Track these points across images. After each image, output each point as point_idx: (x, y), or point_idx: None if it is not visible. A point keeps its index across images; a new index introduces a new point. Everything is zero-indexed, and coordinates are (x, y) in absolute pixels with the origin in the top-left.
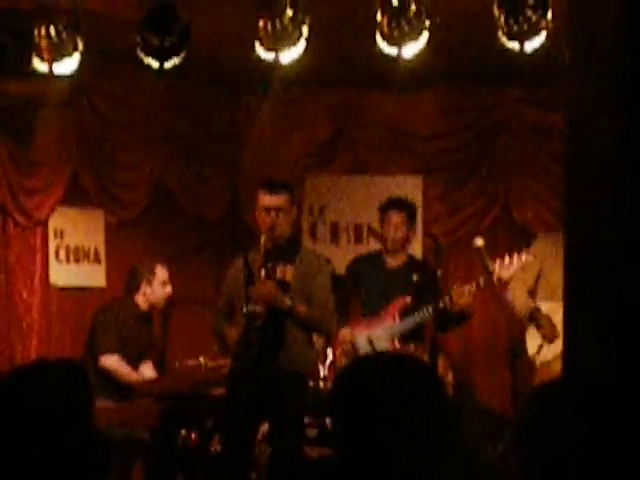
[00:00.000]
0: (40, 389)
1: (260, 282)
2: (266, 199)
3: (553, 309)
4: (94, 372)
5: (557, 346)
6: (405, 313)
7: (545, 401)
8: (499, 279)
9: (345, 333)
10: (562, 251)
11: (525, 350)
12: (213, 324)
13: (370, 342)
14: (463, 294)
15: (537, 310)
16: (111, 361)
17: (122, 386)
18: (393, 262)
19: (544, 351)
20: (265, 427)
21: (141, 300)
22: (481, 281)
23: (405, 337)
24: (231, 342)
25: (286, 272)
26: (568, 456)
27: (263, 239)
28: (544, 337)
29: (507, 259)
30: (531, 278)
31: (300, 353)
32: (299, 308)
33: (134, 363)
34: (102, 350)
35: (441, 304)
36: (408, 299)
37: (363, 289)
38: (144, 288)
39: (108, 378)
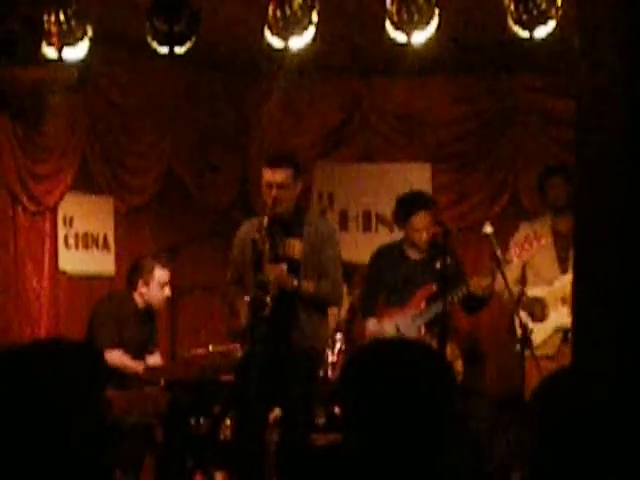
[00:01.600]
0: (55, 367)
1: (267, 267)
2: (268, 174)
3: (540, 292)
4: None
5: (546, 327)
6: (431, 300)
7: (555, 391)
8: (489, 237)
9: (373, 323)
10: (544, 234)
11: (515, 336)
12: (223, 292)
13: (398, 330)
14: (480, 286)
15: (523, 294)
16: (115, 355)
17: (127, 377)
18: (415, 253)
19: (535, 333)
20: (276, 413)
21: (138, 298)
22: (494, 270)
23: (431, 324)
24: (241, 320)
25: (294, 248)
26: (578, 445)
27: (266, 215)
28: (534, 318)
29: (526, 244)
30: (517, 267)
31: (313, 329)
32: (305, 286)
33: (136, 358)
34: (104, 345)
35: (461, 291)
36: (434, 286)
37: (387, 280)
38: (141, 287)
39: (112, 371)
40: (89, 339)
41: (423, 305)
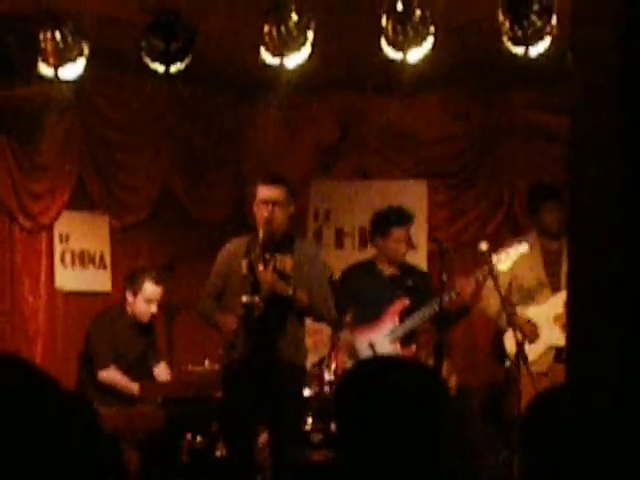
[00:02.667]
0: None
1: (261, 272)
2: (263, 191)
3: (529, 311)
4: (92, 384)
5: (538, 347)
6: (404, 315)
7: (549, 408)
8: (485, 255)
9: (345, 334)
10: (530, 254)
11: (505, 354)
12: (199, 305)
13: (371, 347)
14: (469, 284)
15: (513, 314)
16: (109, 375)
17: (123, 395)
18: (389, 269)
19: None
20: (264, 436)
21: (128, 308)
22: (480, 276)
23: (405, 339)
24: (226, 329)
25: (286, 263)
26: (572, 463)
27: (260, 232)
28: (525, 338)
29: (504, 252)
30: (503, 286)
31: (297, 344)
32: (300, 295)
33: (132, 372)
34: (99, 364)
35: (446, 298)
36: (407, 301)
37: (359, 296)
38: (128, 297)
39: (108, 389)
40: (86, 356)
41: (397, 320)
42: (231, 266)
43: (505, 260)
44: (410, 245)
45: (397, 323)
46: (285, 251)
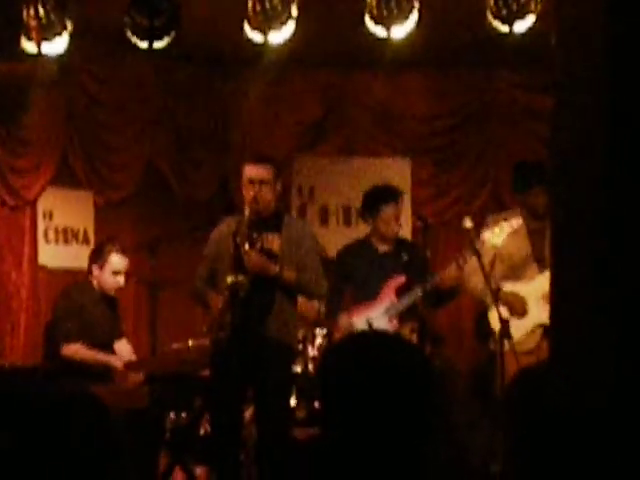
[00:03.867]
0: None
1: (246, 252)
2: (250, 171)
3: (518, 287)
4: (57, 360)
5: (526, 324)
6: (401, 291)
7: (530, 385)
8: (470, 232)
9: (343, 318)
10: (514, 231)
11: (491, 332)
12: (191, 287)
13: (369, 325)
14: (449, 277)
15: (499, 290)
16: (73, 349)
17: (99, 371)
18: (383, 246)
19: (513, 329)
20: (250, 410)
21: (95, 282)
22: (461, 261)
23: (403, 316)
24: (215, 311)
25: (273, 242)
26: (555, 441)
27: (247, 212)
28: (514, 313)
29: (496, 227)
30: (486, 261)
31: (286, 323)
32: (287, 274)
33: (99, 347)
34: (61, 339)
35: (428, 285)
36: (402, 278)
37: (356, 275)
38: (94, 270)
39: (73, 365)
40: (51, 332)
41: (394, 297)
42: (222, 246)
43: (499, 234)
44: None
45: (394, 300)
46: (273, 229)
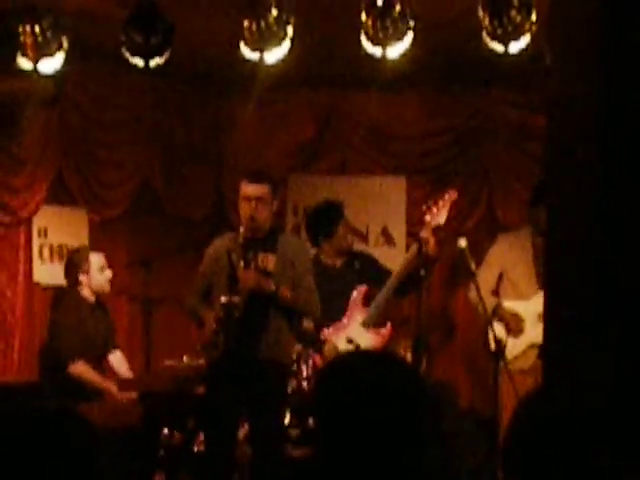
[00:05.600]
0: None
1: (241, 271)
2: (247, 188)
3: (517, 305)
4: (59, 380)
5: (523, 341)
6: (367, 301)
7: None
8: (436, 227)
9: (328, 348)
10: (522, 248)
11: (489, 349)
12: (186, 303)
13: (350, 341)
14: (409, 261)
15: (499, 306)
16: (79, 369)
17: (94, 390)
18: (335, 261)
19: (509, 347)
20: (245, 429)
21: (85, 291)
22: (418, 245)
23: (378, 321)
24: (209, 329)
25: (268, 261)
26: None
27: (242, 229)
28: (510, 332)
29: (434, 207)
30: (493, 278)
31: (279, 342)
32: (283, 292)
33: (98, 358)
34: (67, 358)
35: (415, 247)
36: (364, 287)
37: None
38: (82, 278)
39: (76, 384)
40: (50, 352)
41: (362, 308)
42: (217, 264)
43: (440, 213)
44: (389, 241)
45: (365, 310)
46: (268, 248)
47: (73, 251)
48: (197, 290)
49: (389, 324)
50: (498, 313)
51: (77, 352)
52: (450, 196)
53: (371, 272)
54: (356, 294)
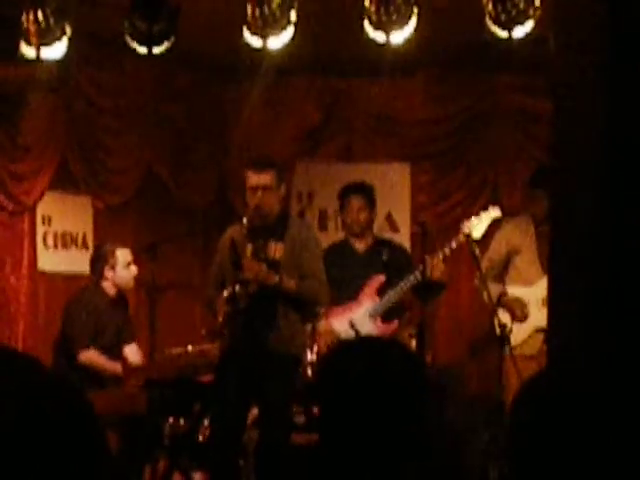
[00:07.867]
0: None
1: (246, 263)
2: (252, 178)
3: (521, 292)
4: (72, 367)
5: (526, 329)
6: (382, 291)
7: (535, 396)
8: (469, 238)
9: (321, 323)
10: (526, 233)
11: (494, 335)
12: (203, 296)
13: (352, 326)
14: (436, 265)
15: (504, 293)
16: (89, 356)
17: (106, 377)
18: (361, 246)
19: (514, 333)
20: (254, 413)
21: (107, 286)
22: (446, 250)
23: (386, 315)
24: (217, 321)
25: (276, 250)
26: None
27: (245, 220)
28: (515, 318)
29: (475, 218)
30: (499, 263)
31: (290, 333)
32: (287, 284)
33: (113, 351)
34: (78, 345)
35: (415, 276)
36: (382, 277)
37: (335, 276)
38: (107, 273)
39: (88, 371)
40: (64, 339)
41: (375, 297)
42: (225, 255)
43: (477, 226)
44: (393, 227)
45: (376, 300)
46: (276, 236)
47: (98, 246)
48: (213, 281)
49: (396, 322)
50: (503, 301)
51: (89, 341)
52: (494, 212)
53: (397, 265)
54: (372, 282)
